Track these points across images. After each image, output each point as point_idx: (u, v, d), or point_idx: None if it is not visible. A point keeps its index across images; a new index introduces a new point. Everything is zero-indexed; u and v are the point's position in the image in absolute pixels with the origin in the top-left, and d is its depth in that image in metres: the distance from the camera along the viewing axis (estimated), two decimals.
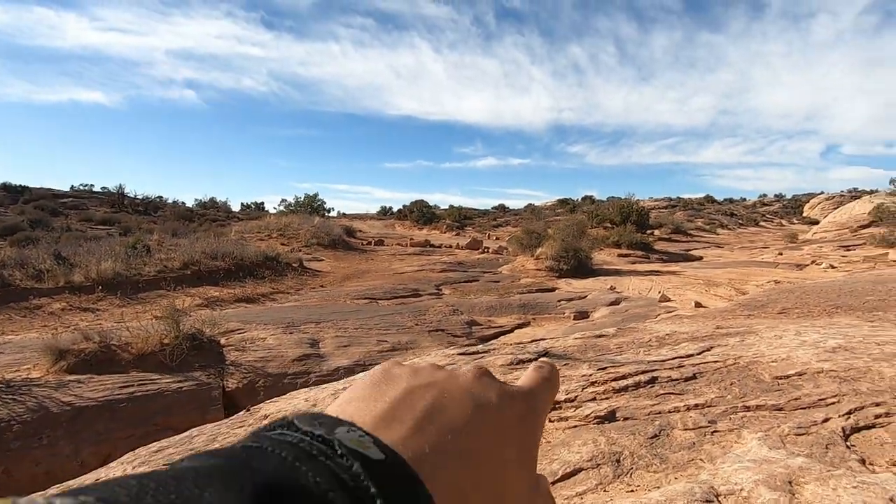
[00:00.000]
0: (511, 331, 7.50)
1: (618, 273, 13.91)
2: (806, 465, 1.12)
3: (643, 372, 1.99)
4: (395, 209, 58.76)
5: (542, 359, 0.41)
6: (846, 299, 4.23)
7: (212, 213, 33.03)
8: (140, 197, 32.40)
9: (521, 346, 3.10)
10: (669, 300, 8.89)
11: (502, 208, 75.44)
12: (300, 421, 0.21)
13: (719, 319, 3.72)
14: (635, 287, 11.04)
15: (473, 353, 2.85)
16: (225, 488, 0.16)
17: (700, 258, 19.86)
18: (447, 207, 64.05)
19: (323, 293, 8.60)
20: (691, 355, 2.17)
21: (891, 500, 0.97)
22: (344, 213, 68.76)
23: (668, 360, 2.15)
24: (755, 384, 1.72)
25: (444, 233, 36.91)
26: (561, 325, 7.95)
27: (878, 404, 1.47)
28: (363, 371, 4.92)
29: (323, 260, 13.66)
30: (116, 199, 28.58)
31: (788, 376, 1.74)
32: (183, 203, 41.53)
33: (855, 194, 54.56)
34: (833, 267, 13.16)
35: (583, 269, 13.67)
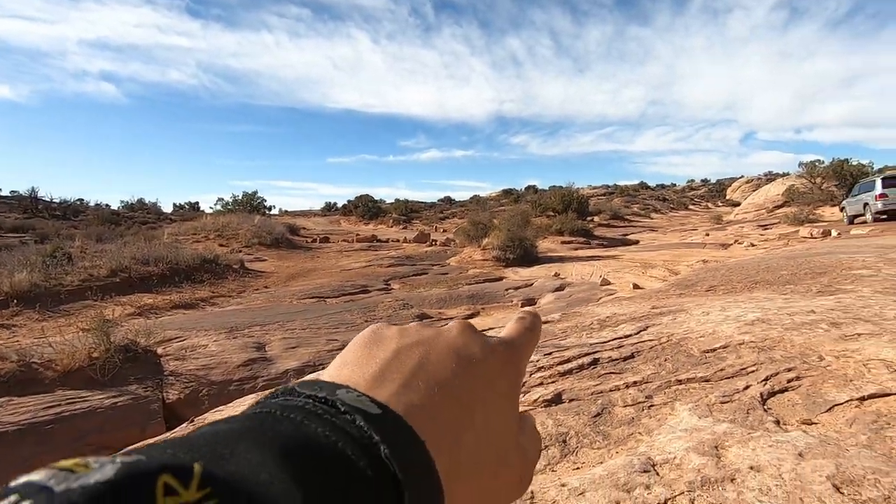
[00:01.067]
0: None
1: (561, 260, 14.40)
2: (730, 430, 1.22)
3: (586, 354, 2.08)
4: (340, 205, 57.64)
5: (523, 309, 0.51)
6: (764, 275, 4.61)
7: (140, 216, 30.99)
8: (57, 200, 29.80)
9: None
10: (610, 283, 9.32)
11: (448, 200, 75.88)
12: (302, 387, 0.22)
13: (654, 300, 3.95)
14: (578, 272, 11.48)
15: None
16: (255, 445, 0.17)
17: (636, 242, 20.92)
18: (393, 201, 63.64)
19: (267, 294, 8.32)
20: (629, 336, 2.30)
21: (799, 454, 1.07)
22: (287, 211, 66.60)
23: (609, 341, 2.26)
24: (686, 359, 1.85)
25: (391, 227, 36.65)
26: (509, 313, 8.14)
27: (789, 370, 1.62)
28: (313, 372, 4.83)
29: (266, 260, 13.20)
30: (29, 204, 26.17)
31: (714, 349, 1.88)
32: (107, 206, 38.65)
33: (770, 177, 59.30)
34: (753, 245, 14.28)
35: (528, 257, 14.04)
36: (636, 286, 8.20)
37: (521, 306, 8.77)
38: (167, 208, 46.49)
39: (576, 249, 17.80)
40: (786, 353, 1.75)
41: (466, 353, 0.28)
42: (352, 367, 0.26)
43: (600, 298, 7.65)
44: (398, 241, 18.71)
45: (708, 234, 19.86)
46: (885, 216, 14.55)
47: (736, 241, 15.86)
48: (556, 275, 11.10)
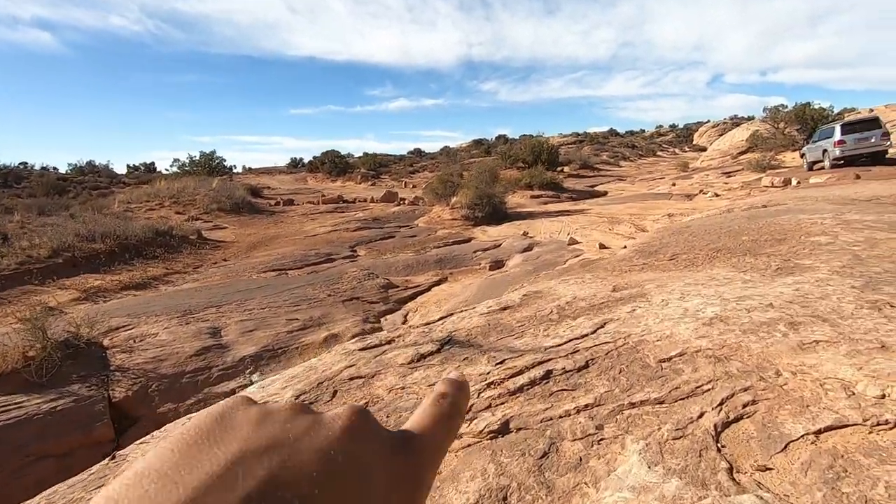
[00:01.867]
0: (428, 289, 7.49)
1: (531, 216, 14.34)
2: (679, 491, 1.11)
3: (539, 363, 1.97)
4: (306, 160, 55.64)
5: (446, 378, 0.27)
6: (725, 241, 4.59)
7: (91, 180, 29.26)
8: None
9: (428, 329, 3.01)
10: (577, 242, 9.32)
11: (418, 153, 74.39)
12: None
13: (617, 275, 3.87)
14: (546, 230, 11.45)
15: (376, 345, 2.72)
16: None
17: (605, 193, 21.02)
18: (361, 155, 61.91)
19: (226, 269, 7.98)
20: (586, 335, 2.19)
21: None
22: (251, 168, 64.11)
23: (565, 343, 2.15)
24: (641, 370, 1.75)
25: (360, 183, 35.77)
26: (477, 277, 8.07)
27: (745, 389, 1.53)
28: (272, 358, 4.67)
29: (226, 228, 12.67)
30: None
31: (671, 358, 1.79)
32: (54, 169, 36.33)
33: (736, 121, 59.99)
34: (717, 195, 14.49)
35: (497, 214, 13.91)
36: (602, 246, 8.21)
37: (490, 269, 8.71)
38: (121, 170, 44.08)
39: (545, 204, 17.75)
40: (742, 366, 1.66)
41: (343, 472, 0.19)
42: (149, 485, 0.16)
43: (567, 261, 7.63)
44: (365, 200, 18.25)
45: (674, 184, 20.06)
46: (842, 162, 14.87)
47: (700, 191, 16.07)
48: (525, 234, 11.04)
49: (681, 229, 5.97)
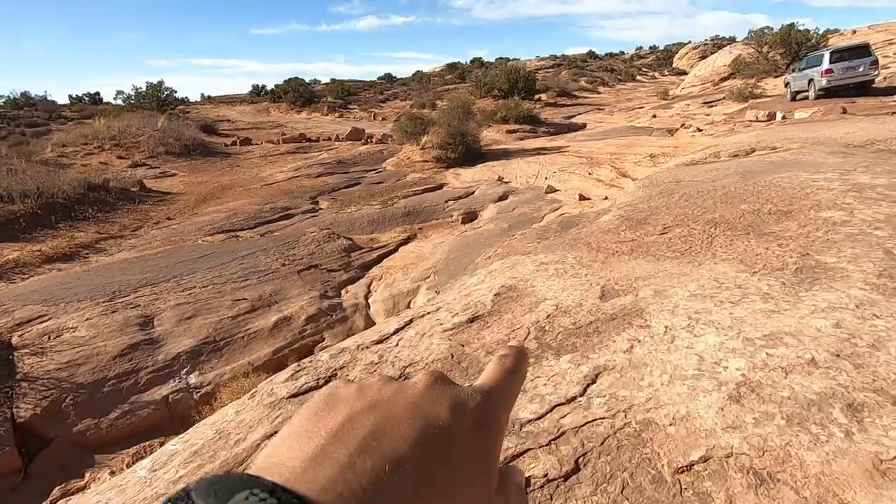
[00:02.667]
0: (395, 249, 6.90)
1: (506, 155, 13.54)
2: None
3: (513, 458, 1.45)
4: (270, 87, 51.91)
5: (508, 344, 0.30)
6: (722, 210, 4.08)
7: (27, 116, 26.58)
8: None
9: (379, 356, 2.47)
10: (555, 190, 8.73)
11: (389, 78, 70.48)
12: (197, 492, 0.19)
13: (603, 261, 3.34)
14: (523, 174, 10.77)
15: (311, 388, 2.18)
16: None
17: (583, 126, 20.14)
18: (329, 82, 58.21)
19: (169, 231, 7.16)
20: (574, 398, 1.68)
21: None
22: (210, 97, 59.95)
23: (546, 414, 1.63)
24: (653, 490, 1.24)
25: (326, 115, 33.65)
26: (448, 233, 7.49)
27: None
28: (213, 353, 4.12)
29: (174, 175, 11.55)
30: None
31: (691, 466, 1.30)
32: None
33: (717, 42, 58.01)
34: (699, 130, 13.89)
35: (471, 154, 13.07)
36: (582, 196, 7.64)
37: (462, 223, 8.12)
38: (63, 100, 40.42)
39: (521, 139, 16.87)
40: (798, 500, 1.17)
41: (432, 416, 0.25)
42: (292, 442, 0.23)
43: (544, 216, 7.08)
44: (330, 139, 16.99)
45: (655, 116, 19.29)
46: (823, 94, 14.31)
47: (682, 125, 15.40)
48: (500, 178, 10.35)
49: (669, 187, 5.42)
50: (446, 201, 8.98)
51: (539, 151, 13.59)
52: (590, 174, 9.56)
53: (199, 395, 3.67)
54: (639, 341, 1.97)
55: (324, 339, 4.53)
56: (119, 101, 25.30)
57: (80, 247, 6.31)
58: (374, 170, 11.93)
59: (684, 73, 51.65)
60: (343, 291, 5.49)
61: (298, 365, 2.40)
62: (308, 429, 0.24)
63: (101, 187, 8.55)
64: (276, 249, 6.28)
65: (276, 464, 0.22)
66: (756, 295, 2.22)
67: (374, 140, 16.06)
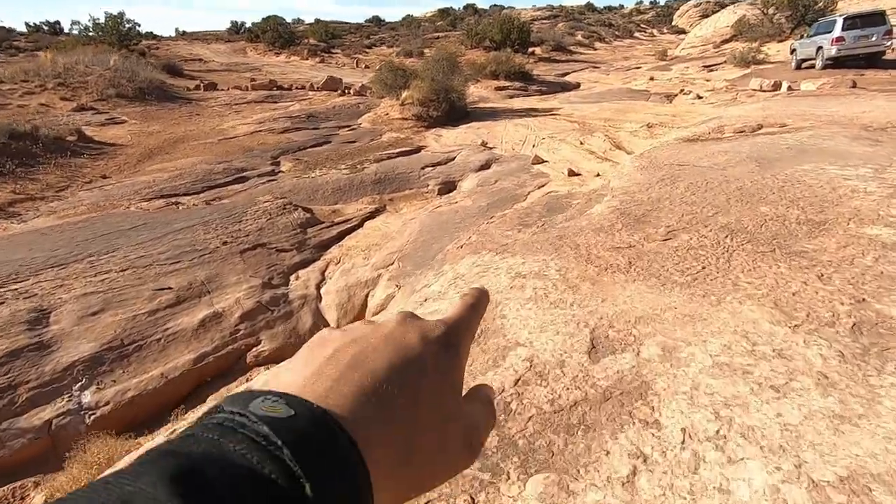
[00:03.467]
0: (360, 225, 6.14)
1: (493, 115, 12.56)
2: None
3: None
4: (249, 25, 48.54)
5: (473, 286, 0.46)
6: (738, 211, 3.40)
7: None
8: None
9: None
10: (543, 161, 7.94)
11: (377, 21, 66.83)
12: (226, 403, 0.24)
13: (594, 281, 2.67)
14: (509, 138, 9.89)
15: None
16: (147, 478, 0.19)
17: (577, 86, 19.00)
18: (313, 22, 54.80)
19: (101, 193, 6.24)
20: None
21: None
22: (185, 33, 56.12)
23: None
24: None
25: (306, 59, 31.51)
26: (421, 207, 6.72)
27: None
28: (118, 360, 3.40)
29: (123, 123, 10.37)
30: None
31: None
32: None
33: (720, 1, 55.81)
34: (699, 97, 13.01)
35: (456, 112, 12.07)
36: (572, 172, 6.88)
37: (438, 194, 7.34)
38: (19, 27, 37.21)
39: (510, 98, 15.78)
40: None
41: (403, 344, 0.30)
42: (292, 369, 0.28)
43: (528, 194, 6.33)
44: (304, 88, 15.63)
45: (652, 78, 18.24)
46: (831, 63, 13.47)
47: (681, 90, 14.47)
48: (484, 144, 9.48)
49: (672, 172, 4.70)
50: (423, 167, 8.14)
51: (529, 113, 12.63)
52: (581, 143, 8.75)
53: (92, 418, 2.99)
54: (645, 461, 1.32)
55: (260, 342, 3.85)
56: (77, 33, 23.08)
57: None
58: (348, 126, 10.91)
59: (683, 31, 49.80)
60: (292, 278, 4.76)
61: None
62: (304, 360, 0.29)
63: (27, 136, 7.48)
64: (220, 222, 5.46)
65: (281, 383, 0.27)
66: (807, 376, 1.58)
67: (352, 91, 14.83)
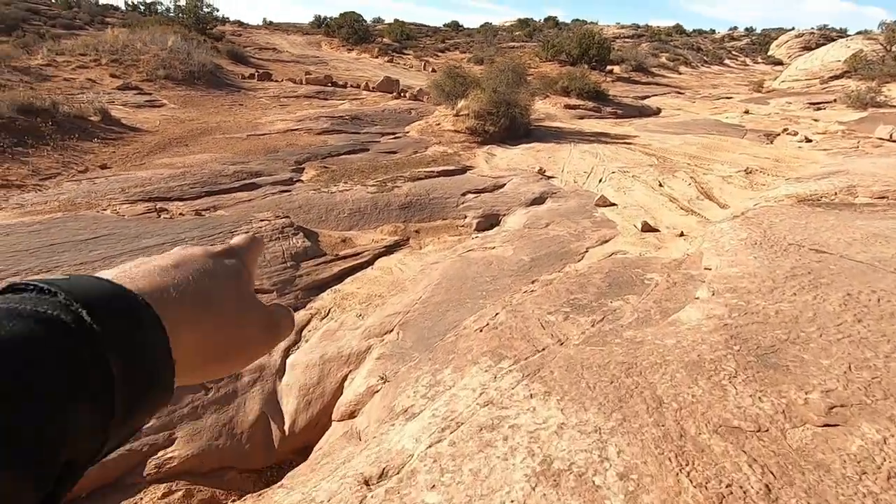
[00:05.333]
0: (371, 262, 4.96)
1: (558, 136, 11.12)
2: None
3: None
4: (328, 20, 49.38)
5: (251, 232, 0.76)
6: None
7: (68, 17, 25.43)
8: None
9: None
10: (610, 204, 6.46)
11: (455, 26, 66.54)
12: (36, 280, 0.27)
13: (690, 498, 1.30)
14: (573, 168, 8.45)
15: None
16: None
17: (658, 112, 17.10)
18: (392, 22, 55.13)
19: (86, 187, 5.42)
20: None
21: None
22: (271, 23, 58.05)
23: None
24: None
25: (376, 57, 31.13)
26: (452, 245, 5.47)
27: None
28: None
29: (161, 105, 9.83)
30: None
31: None
32: None
33: (825, 33, 50.95)
34: (808, 141, 10.95)
35: (516, 130, 10.74)
36: (647, 226, 5.38)
37: (476, 229, 6.05)
38: (117, 2, 39.38)
39: (580, 118, 14.24)
40: None
41: (193, 252, 0.38)
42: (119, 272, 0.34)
43: (585, 250, 4.90)
44: (359, 87, 14.80)
45: (747, 112, 16.08)
46: None
47: (784, 129, 12.37)
48: (542, 171, 8.09)
49: (807, 265, 3.16)
50: (464, 193, 6.88)
51: (599, 138, 11.09)
52: (660, 185, 7.18)
53: None
54: None
55: (173, 442, 2.72)
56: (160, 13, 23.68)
57: None
58: (393, 134, 9.84)
59: (780, 62, 45.89)
60: None
61: None
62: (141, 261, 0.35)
63: (44, 112, 6.89)
64: (198, 243, 4.42)
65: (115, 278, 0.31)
66: None
67: (408, 95, 13.83)
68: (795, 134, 11.64)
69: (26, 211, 4.71)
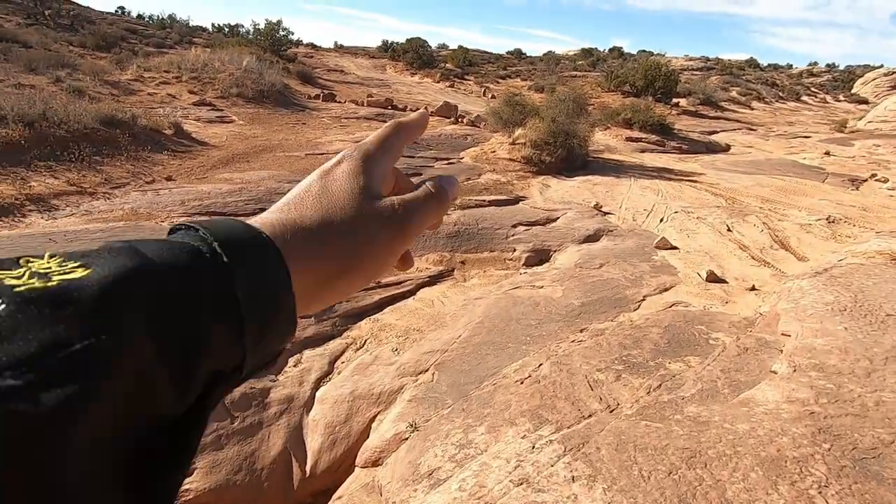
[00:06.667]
0: (413, 292, 4.82)
1: (618, 170, 10.72)
2: None
3: None
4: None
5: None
6: None
7: (160, 36, 27.76)
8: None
9: None
10: (671, 247, 6.02)
11: (518, 54, 67.18)
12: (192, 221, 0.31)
13: None
14: (632, 204, 8.04)
15: None
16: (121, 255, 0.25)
17: (727, 148, 16.21)
18: (456, 48, 56.47)
19: (150, 198, 5.66)
20: None
21: None
22: (341, 46, 61.06)
23: None
24: None
25: (438, 82, 31.78)
26: (499, 279, 5.24)
27: None
28: None
29: (231, 122, 10.32)
30: (33, 7, 23.31)
31: None
32: (123, 12, 35.16)
33: None
34: None
35: (573, 160, 10.45)
36: (712, 276, 4.93)
37: (525, 264, 5.81)
38: (206, 24, 42.73)
39: (642, 152, 13.71)
40: None
41: (325, 168, 0.40)
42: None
43: (642, 298, 4.53)
44: (418, 110, 15.03)
45: (828, 154, 14.93)
46: None
47: (873, 175, 11.33)
48: (598, 207, 7.74)
49: None
50: (515, 225, 6.66)
51: (661, 174, 10.58)
52: (728, 229, 6.65)
53: None
54: None
55: (191, 472, 2.62)
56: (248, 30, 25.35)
57: (26, 198, 4.98)
58: (447, 159, 9.81)
59: (865, 101, 42.92)
60: (290, 360, 3.54)
61: None
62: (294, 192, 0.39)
63: (123, 124, 7.35)
64: None
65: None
66: None
67: (465, 120, 13.87)
68: (886, 181, 10.61)
69: (93, 218, 4.94)
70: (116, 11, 42.59)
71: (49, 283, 0.21)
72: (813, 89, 50.54)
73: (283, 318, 0.30)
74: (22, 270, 0.22)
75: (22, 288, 0.20)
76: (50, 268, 0.22)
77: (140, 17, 38.93)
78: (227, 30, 45.08)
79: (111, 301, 0.22)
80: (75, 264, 0.22)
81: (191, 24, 36.76)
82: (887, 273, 4.13)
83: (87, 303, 0.21)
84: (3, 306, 0.19)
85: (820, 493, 1.68)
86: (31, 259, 0.23)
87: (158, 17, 35.44)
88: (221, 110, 10.91)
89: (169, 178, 6.40)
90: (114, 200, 5.43)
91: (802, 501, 1.66)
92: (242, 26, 42.76)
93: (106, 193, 5.61)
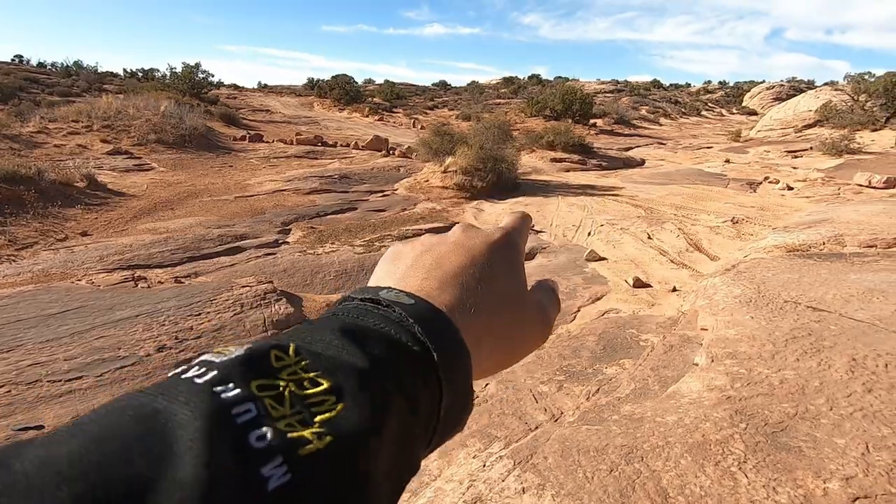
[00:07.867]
0: None
1: (546, 189, 11.27)
2: None
3: None
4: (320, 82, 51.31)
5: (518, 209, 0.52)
6: None
7: (66, 84, 26.19)
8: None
9: None
10: (600, 258, 6.40)
11: (444, 85, 69.34)
12: (356, 293, 0.30)
13: None
14: (561, 221, 8.47)
15: None
16: (328, 331, 0.25)
17: (642, 162, 17.53)
18: (382, 83, 57.38)
19: (63, 256, 5.28)
20: None
21: None
22: (265, 86, 60.26)
23: None
24: None
25: (367, 116, 32.10)
26: None
27: None
28: None
29: (151, 169, 9.87)
30: None
31: None
32: (21, 60, 33.03)
33: (794, 84, 53.68)
34: (790, 189, 11.17)
35: (503, 184, 10.88)
36: (638, 281, 5.29)
37: None
38: (116, 70, 40.82)
39: (567, 171, 14.52)
40: None
41: (469, 246, 0.36)
42: (382, 277, 0.34)
43: (577, 310, 4.77)
44: (348, 145, 15.09)
45: (728, 161, 16.52)
46: None
47: (766, 178, 12.66)
48: (531, 225, 8.07)
49: (806, 325, 3.04)
50: None
51: (586, 190, 11.24)
52: (649, 237, 7.17)
53: None
54: None
55: None
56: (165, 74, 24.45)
57: None
58: (381, 192, 9.89)
59: (754, 112, 47.97)
60: None
61: None
62: (388, 270, 0.34)
63: (27, 180, 6.85)
64: (174, 314, 4.26)
65: (382, 285, 0.32)
66: None
67: (396, 152, 14.08)
68: (777, 182, 11.90)
69: (7, 282, 4.54)
70: (13, 60, 39.83)
71: (322, 443, 0.20)
72: (710, 105, 55.93)
73: (465, 412, 0.30)
74: (284, 392, 0.21)
75: (304, 451, 0.20)
76: (302, 384, 0.22)
77: (41, 64, 36.62)
78: (140, 74, 43.31)
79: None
80: (317, 374, 0.22)
81: (99, 70, 34.98)
82: (783, 264, 4.63)
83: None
84: (289, 477, 0.19)
85: (740, 468, 1.86)
86: (280, 354, 0.23)
87: (63, 64, 33.44)
88: (139, 158, 10.43)
89: (84, 234, 6.01)
90: (21, 263, 5.02)
91: (726, 479, 1.82)
92: (158, 70, 41.20)
93: (10, 256, 5.18)
